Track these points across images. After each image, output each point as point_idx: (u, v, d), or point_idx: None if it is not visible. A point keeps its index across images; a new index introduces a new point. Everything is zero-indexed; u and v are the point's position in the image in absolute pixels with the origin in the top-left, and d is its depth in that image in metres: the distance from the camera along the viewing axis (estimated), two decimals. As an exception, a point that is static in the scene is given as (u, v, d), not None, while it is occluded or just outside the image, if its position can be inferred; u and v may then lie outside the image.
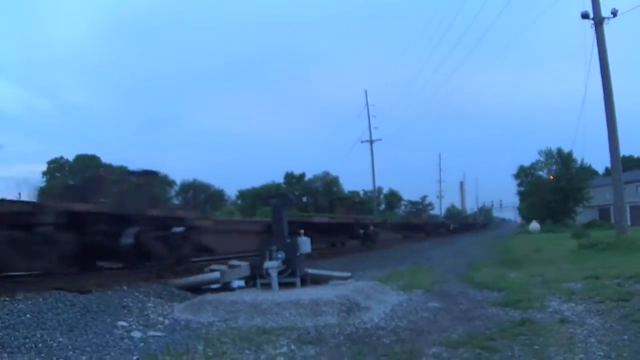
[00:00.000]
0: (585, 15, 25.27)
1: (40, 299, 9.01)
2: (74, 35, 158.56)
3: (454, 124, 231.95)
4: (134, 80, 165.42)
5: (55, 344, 7.24)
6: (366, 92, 73.98)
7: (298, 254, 11.84)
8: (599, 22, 24.96)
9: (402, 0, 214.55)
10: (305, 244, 12.16)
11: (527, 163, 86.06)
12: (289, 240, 11.97)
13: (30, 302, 8.80)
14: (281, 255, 11.53)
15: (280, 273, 11.37)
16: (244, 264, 12.85)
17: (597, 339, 6.94)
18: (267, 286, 11.30)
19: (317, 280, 12.28)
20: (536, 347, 6.60)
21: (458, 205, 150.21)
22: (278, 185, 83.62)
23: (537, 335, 7.18)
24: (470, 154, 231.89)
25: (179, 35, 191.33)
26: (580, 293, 10.51)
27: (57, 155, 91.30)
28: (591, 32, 25.24)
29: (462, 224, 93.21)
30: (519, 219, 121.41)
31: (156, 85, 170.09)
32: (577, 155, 75.34)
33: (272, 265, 11.25)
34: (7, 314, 7.99)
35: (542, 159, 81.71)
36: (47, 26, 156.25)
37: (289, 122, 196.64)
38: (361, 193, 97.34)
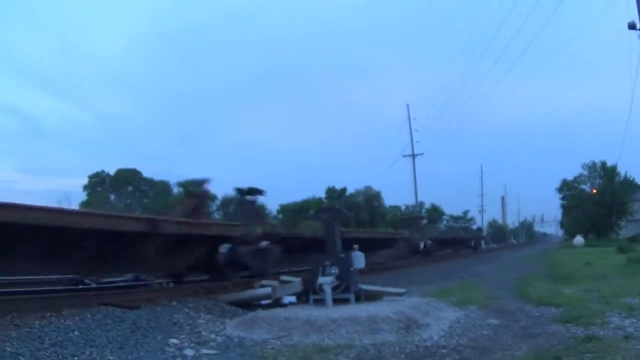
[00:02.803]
0: (632, 26, 24.94)
1: (88, 315, 8.92)
2: (113, 49, 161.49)
3: (496, 137, 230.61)
4: (173, 92, 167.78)
5: (105, 363, 7.14)
6: (408, 106, 74.21)
7: (352, 269, 11.53)
8: (646, 33, 24.64)
9: (445, 13, 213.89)
10: (359, 258, 11.83)
11: (570, 177, 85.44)
12: (342, 255, 11.69)
13: (77, 318, 8.70)
14: (335, 270, 11.25)
15: (333, 289, 11.10)
16: (296, 279, 12.59)
17: (664, 356, 6.64)
18: (320, 302, 11.04)
19: (371, 297, 11.97)
20: (605, 364, 6.43)
21: (499, 220, 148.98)
22: (319, 200, 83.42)
23: (604, 353, 6.86)
24: (512, 168, 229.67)
25: (220, 47, 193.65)
26: (640, 308, 10.24)
27: (97, 169, 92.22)
28: (638, 43, 24.97)
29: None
30: (561, 233, 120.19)
31: (196, 97, 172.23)
32: (621, 169, 74.61)
33: (326, 281, 10.99)
34: (54, 331, 7.91)
35: (585, 172, 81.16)
36: (87, 40, 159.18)
37: (330, 136, 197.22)
38: (403, 208, 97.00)
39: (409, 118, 72.69)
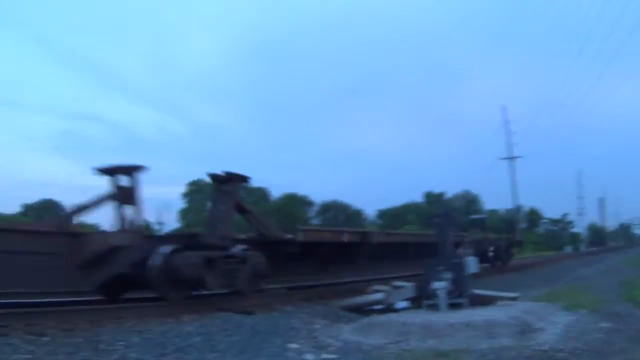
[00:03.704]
0: None
1: (208, 321, 9.18)
2: (206, 59, 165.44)
3: (596, 137, 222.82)
4: (267, 100, 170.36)
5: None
6: (504, 109, 72.92)
7: (465, 274, 11.53)
8: None
9: (541, 13, 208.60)
10: (472, 263, 11.88)
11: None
12: (456, 260, 11.68)
13: (197, 324, 8.98)
14: (448, 275, 11.19)
15: (447, 294, 10.98)
16: (409, 284, 12.75)
17: None
18: (433, 307, 10.94)
19: (483, 301, 11.81)
20: None
21: (598, 222, 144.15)
22: (418, 205, 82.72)
23: None
24: (612, 169, 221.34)
25: (314, 54, 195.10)
26: None
27: (194, 177, 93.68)
28: None
29: None
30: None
31: (291, 104, 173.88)
32: None
33: (440, 286, 10.91)
34: (176, 337, 8.17)
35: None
36: (180, 51, 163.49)
37: (426, 140, 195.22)
38: (502, 212, 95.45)
39: (506, 121, 71.35)
